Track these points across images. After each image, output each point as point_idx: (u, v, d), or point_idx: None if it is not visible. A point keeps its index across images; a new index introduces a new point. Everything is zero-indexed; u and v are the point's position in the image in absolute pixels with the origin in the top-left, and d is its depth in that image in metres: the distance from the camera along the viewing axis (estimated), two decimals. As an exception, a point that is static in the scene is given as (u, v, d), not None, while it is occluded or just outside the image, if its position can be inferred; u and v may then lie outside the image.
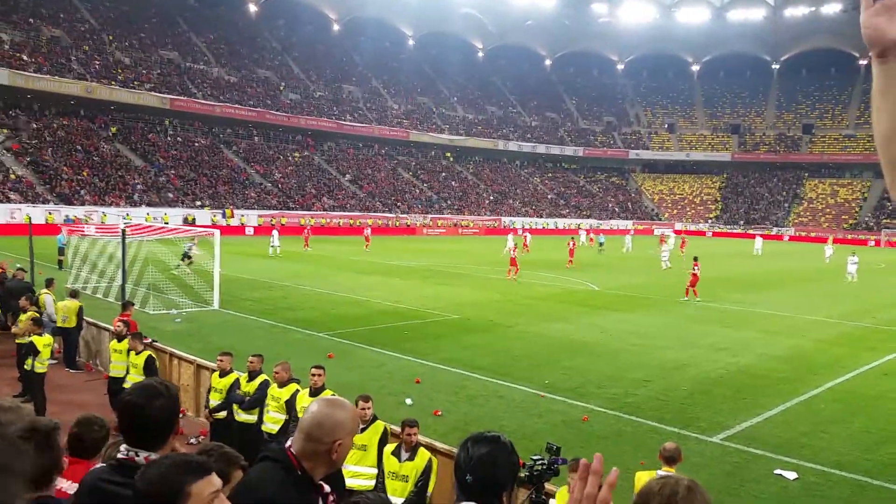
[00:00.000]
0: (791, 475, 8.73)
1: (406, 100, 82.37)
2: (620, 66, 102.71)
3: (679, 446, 6.09)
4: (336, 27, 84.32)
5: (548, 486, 5.90)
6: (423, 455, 6.31)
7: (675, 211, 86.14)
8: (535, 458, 5.90)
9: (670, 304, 23.25)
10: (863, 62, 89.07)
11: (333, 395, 7.11)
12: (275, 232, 38.26)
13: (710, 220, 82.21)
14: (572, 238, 39.33)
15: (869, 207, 76.58)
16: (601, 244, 47.57)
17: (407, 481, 6.23)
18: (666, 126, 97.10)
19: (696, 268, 24.71)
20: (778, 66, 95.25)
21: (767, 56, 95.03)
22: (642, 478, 5.93)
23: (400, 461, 6.33)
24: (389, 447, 6.55)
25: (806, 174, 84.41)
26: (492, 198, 76.77)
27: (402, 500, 6.11)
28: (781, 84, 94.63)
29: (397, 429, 7.00)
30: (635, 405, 11.55)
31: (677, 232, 65.28)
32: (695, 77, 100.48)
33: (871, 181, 79.64)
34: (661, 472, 5.69)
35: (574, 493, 1.43)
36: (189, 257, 26.73)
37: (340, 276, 27.78)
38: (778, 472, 8.85)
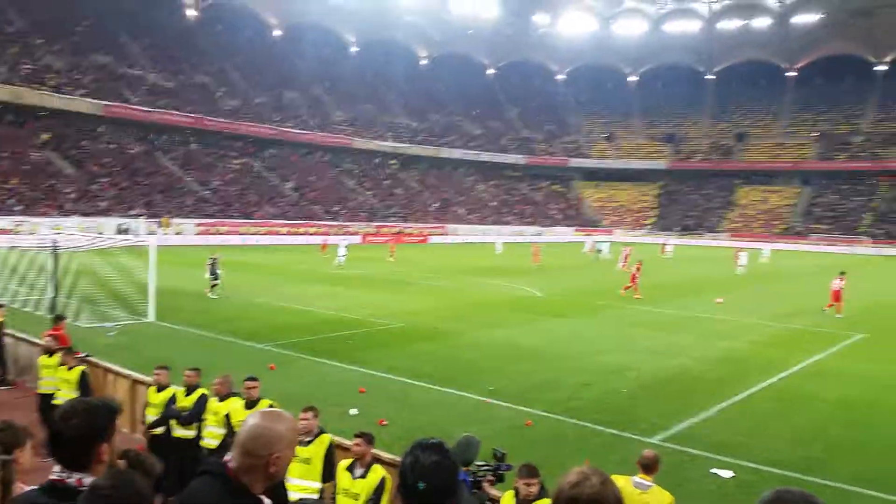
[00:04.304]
0: (727, 474, 8.99)
1: (349, 107, 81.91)
2: (561, 77, 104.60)
3: (658, 455, 6.04)
4: (277, 33, 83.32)
5: (493, 491, 5.93)
6: (377, 472, 6.14)
7: (615, 218, 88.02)
8: (479, 464, 5.95)
9: (610, 309, 23.71)
10: (790, 74, 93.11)
11: (271, 406, 6.99)
12: (342, 242, 37.70)
13: (647, 227, 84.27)
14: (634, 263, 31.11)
15: (798, 213, 79.83)
16: (599, 251, 50.43)
17: (358, 500, 6.08)
18: (605, 135, 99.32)
19: (837, 283, 23.93)
20: (712, 77, 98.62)
21: (702, 67, 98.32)
22: (617, 481, 5.97)
23: (353, 477, 6.17)
24: (345, 462, 6.37)
25: (738, 181, 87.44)
26: (436, 205, 76.95)
27: None
28: (715, 94, 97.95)
29: (346, 441, 6.90)
30: (577, 409, 11.74)
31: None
32: (632, 87, 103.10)
33: (800, 188, 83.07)
34: (636, 479, 5.76)
35: None
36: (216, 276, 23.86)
37: (283, 285, 27.36)
38: (714, 470, 9.11)
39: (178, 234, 50.65)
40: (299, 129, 72.11)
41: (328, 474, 6.60)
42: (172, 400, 8.48)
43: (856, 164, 79.48)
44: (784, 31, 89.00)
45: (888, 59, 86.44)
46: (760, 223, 79.81)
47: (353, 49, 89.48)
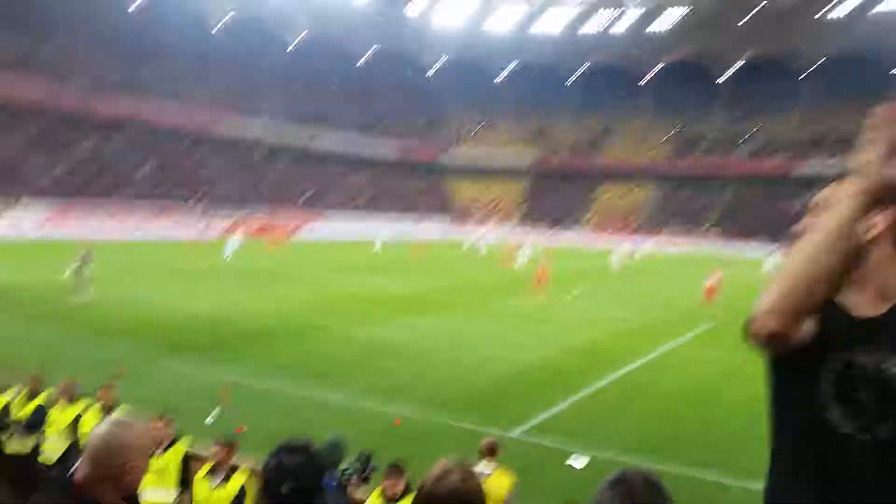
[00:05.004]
0: (583, 462, 9.45)
1: (213, 88, 78.31)
2: (433, 69, 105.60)
3: (495, 441, 6.38)
4: (134, 4, 78.17)
5: (359, 493, 5.90)
6: (237, 480, 5.96)
7: (486, 212, 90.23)
8: (343, 467, 5.90)
9: (477, 304, 24.27)
10: (646, 77, 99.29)
11: (128, 411, 6.57)
12: (236, 234, 37.50)
13: (516, 221, 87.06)
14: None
15: (653, 210, 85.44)
16: (482, 247, 50.88)
17: None
18: (476, 130, 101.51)
19: (713, 279, 25.42)
20: (575, 78, 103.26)
21: (567, 67, 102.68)
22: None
23: (212, 486, 5.93)
24: (203, 471, 6.13)
25: (599, 179, 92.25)
26: (307, 195, 75.40)
27: None
28: (578, 94, 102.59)
29: (201, 451, 6.65)
30: (444, 404, 11.94)
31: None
32: (502, 84, 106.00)
33: (654, 186, 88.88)
34: (478, 468, 5.91)
35: None
36: None
37: (137, 280, 25.79)
38: (571, 460, 9.54)
39: (15, 222, 46.46)
40: (158, 109, 68.10)
41: (183, 484, 6.36)
42: (5, 411, 7.75)
43: (705, 165, 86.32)
44: (641, 36, 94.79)
45: (732, 67, 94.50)
46: (619, 219, 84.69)
47: (219, 26, 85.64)
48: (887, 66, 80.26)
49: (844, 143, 77.69)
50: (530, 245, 46.62)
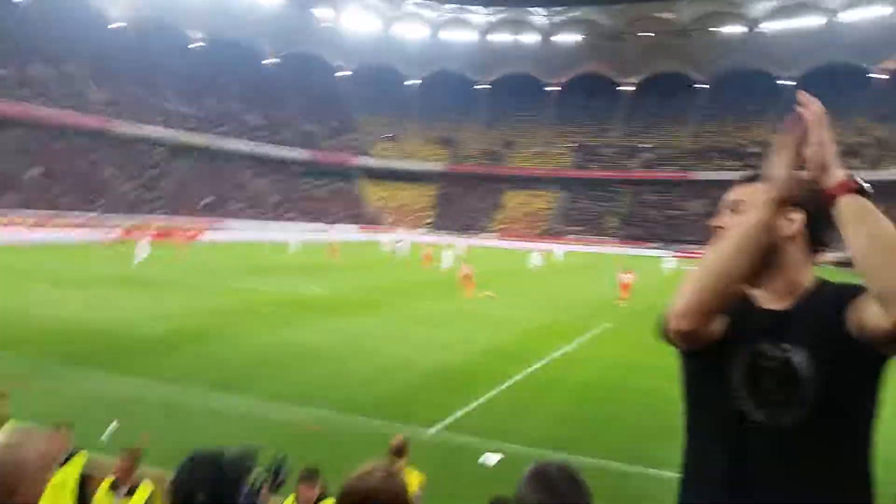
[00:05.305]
0: (496, 457, 9.61)
1: (110, 87, 74.58)
2: (344, 73, 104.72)
3: (404, 440, 6.45)
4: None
5: (273, 502, 5.76)
6: (144, 490, 5.71)
7: (396, 217, 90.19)
8: (254, 476, 5.74)
9: (393, 307, 24.23)
10: (553, 88, 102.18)
11: (20, 426, 6.15)
12: (145, 239, 35.96)
13: (427, 226, 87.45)
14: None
15: (556, 216, 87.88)
16: (397, 250, 51.23)
17: None
18: (388, 135, 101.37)
19: (626, 276, 27.82)
20: (484, 87, 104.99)
21: (476, 76, 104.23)
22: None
23: (117, 498, 5.65)
24: (106, 482, 5.83)
25: (506, 186, 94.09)
26: (210, 199, 72.95)
27: None
28: (487, 103, 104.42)
29: (104, 460, 6.32)
30: (361, 406, 11.85)
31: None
32: (413, 90, 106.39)
33: (558, 193, 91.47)
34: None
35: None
36: None
37: (23, 289, 24.15)
38: (483, 458, 9.69)
39: None
40: (48, 107, 64.18)
41: (84, 498, 6.02)
42: None
43: (605, 173, 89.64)
44: (548, 49, 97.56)
45: (632, 80, 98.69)
46: (524, 224, 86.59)
47: (118, 25, 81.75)
48: (774, 81, 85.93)
49: (734, 153, 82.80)
50: (452, 247, 47.07)
